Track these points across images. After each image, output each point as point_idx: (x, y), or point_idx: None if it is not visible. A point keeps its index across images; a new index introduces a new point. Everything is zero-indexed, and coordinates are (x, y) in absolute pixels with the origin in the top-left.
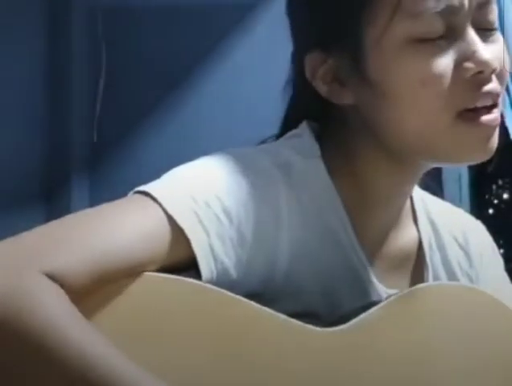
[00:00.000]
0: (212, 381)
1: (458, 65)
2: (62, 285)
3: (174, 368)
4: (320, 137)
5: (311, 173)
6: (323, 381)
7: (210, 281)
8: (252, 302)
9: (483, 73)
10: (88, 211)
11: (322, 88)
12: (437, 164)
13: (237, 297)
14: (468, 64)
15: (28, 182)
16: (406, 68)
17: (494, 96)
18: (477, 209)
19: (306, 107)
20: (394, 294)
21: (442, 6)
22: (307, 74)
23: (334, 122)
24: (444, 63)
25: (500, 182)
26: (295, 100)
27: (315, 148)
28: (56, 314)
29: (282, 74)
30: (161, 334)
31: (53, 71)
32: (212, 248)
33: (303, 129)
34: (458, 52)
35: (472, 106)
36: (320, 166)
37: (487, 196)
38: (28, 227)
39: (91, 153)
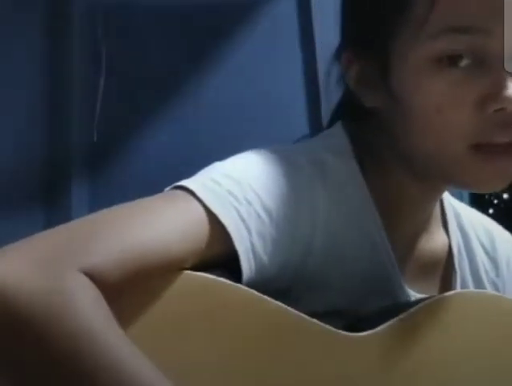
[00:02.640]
0: (239, 381)
1: (481, 98)
2: (100, 284)
3: (204, 366)
4: (354, 137)
5: (346, 173)
6: None
7: (249, 279)
8: (282, 304)
9: (506, 110)
10: (125, 205)
11: (352, 85)
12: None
13: (268, 298)
14: (493, 100)
15: (28, 182)
16: (425, 90)
17: None
18: (477, 209)
19: (342, 106)
20: (422, 299)
21: (465, 24)
22: (342, 68)
23: (366, 123)
24: (465, 93)
25: None
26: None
27: (348, 148)
28: (94, 319)
29: (282, 74)
30: (193, 332)
31: (53, 71)
32: (253, 246)
33: (337, 129)
34: (483, 84)
35: (489, 141)
36: (355, 167)
37: (487, 196)
38: (28, 226)
39: (91, 153)
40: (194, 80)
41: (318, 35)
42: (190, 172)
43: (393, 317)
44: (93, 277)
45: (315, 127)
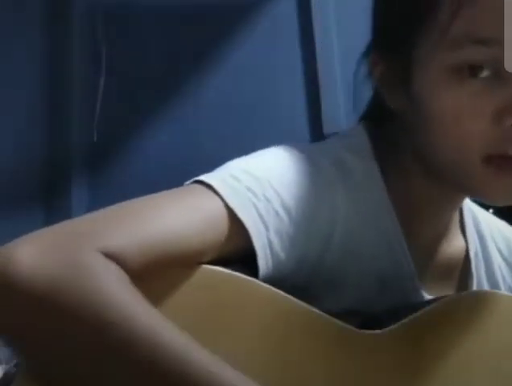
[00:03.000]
0: (258, 377)
1: (498, 111)
2: (119, 264)
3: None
4: (375, 138)
5: (365, 173)
6: (366, 383)
7: (265, 275)
8: (297, 300)
9: None
10: (146, 197)
11: (376, 85)
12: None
13: (283, 293)
14: (510, 113)
15: (28, 182)
16: (444, 99)
17: None
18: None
19: (370, 106)
20: (436, 299)
21: (487, 35)
22: (368, 68)
23: (390, 124)
24: (484, 104)
25: None
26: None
27: (369, 149)
28: (120, 291)
29: (282, 74)
30: (207, 325)
31: (53, 71)
32: (271, 243)
33: (358, 129)
34: (502, 97)
35: (502, 153)
36: (374, 167)
37: None
38: (28, 226)
39: (91, 153)
40: (194, 80)
41: (318, 35)
42: (190, 172)
43: (407, 315)
44: (112, 257)
45: (316, 127)
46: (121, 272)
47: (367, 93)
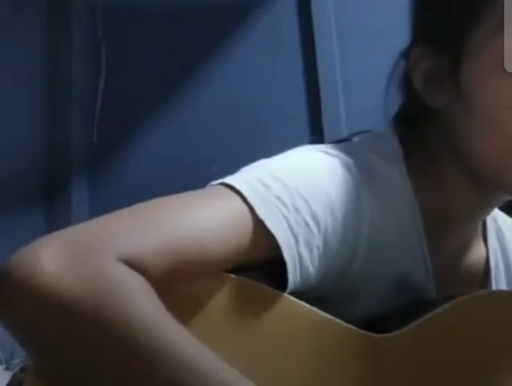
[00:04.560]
0: (272, 383)
1: None
2: (140, 273)
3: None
4: (405, 141)
5: (392, 178)
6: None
7: (293, 289)
8: (315, 309)
9: None
10: (166, 199)
11: (418, 83)
12: None
13: (308, 306)
14: None
15: (28, 182)
16: (497, 89)
17: None
18: None
19: (402, 108)
20: (448, 298)
21: None
22: (410, 65)
23: (424, 127)
24: None
25: None
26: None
27: (398, 152)
28: (142, 304)
29: (282, 74)
30: (227, 336)
31: (53, 71)
32: (301, 256)
33: (388, 132)
34: None
35: None
36: (402, 172)
37: None
38: (28, 226)
39: (91, 153)
40: (194, 80)
41: (318, 35)
42: (190, 171)
43: (419, 317)
44: (132, 264)
45: (316, 127)
46: (146, 283)
47: (390, 96)
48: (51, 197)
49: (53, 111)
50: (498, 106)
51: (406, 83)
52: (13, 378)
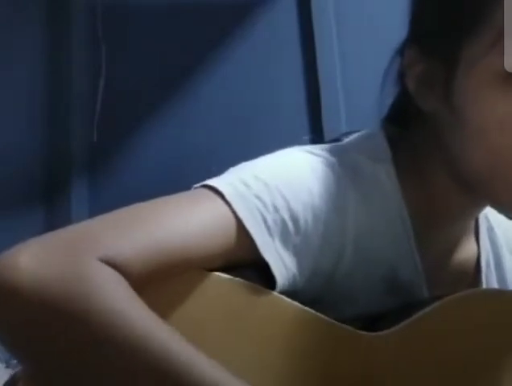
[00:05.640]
0: (262, 382)
1: None
2: (120, 272)
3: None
4: (395, 142)
5: (379, 178)
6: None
7: (282, 287)
8: (314, 311)
9: None
10: (151, 201)
11: (411, 83)
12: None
13: (292, 301)
14: None
15: (28, 182)
16: (490, 105)
17: None
18: None
19: (393, 107)
20: (437, 297)
21: None
22: (405, 63)
23: (415, 129)
24: None
25: None
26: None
27: (386, 152)
28: (119, 300)
29: (282, 74)
30: (210, 333)
31: (53, 71)
32: (279, 254)
33: (378, 132)
34: None
35: None
36: (390, 172)
37: None
38: (28, 226)
39: (91, 153)
40: (194, 80)
41: (318, 35)
42: (189, 171)
43: (409, 316)
44: (113, 264)
45: (315, 127)
46: (122, 280)
47: (386, 95)
48: (51, 197)
49: (53, 111)
50: (487, 122)
51: (401, 81)
52: (12, 377)
